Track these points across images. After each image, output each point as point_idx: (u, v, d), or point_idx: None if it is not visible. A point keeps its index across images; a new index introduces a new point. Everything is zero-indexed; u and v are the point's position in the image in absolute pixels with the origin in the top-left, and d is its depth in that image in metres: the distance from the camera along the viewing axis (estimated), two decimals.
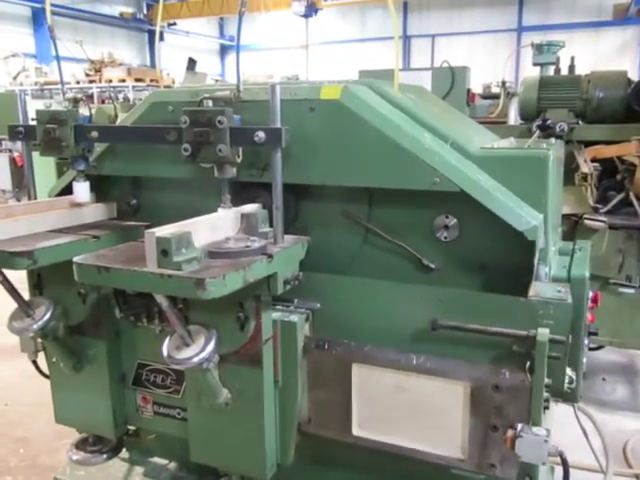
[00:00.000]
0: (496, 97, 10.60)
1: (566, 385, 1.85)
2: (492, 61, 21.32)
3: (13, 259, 1.85)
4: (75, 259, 1.75)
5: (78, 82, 16.56)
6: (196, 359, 1.81)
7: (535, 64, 7.67)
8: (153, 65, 24.15)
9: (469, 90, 7.73)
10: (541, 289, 1.83)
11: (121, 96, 15.87)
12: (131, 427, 2.57)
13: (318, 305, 2.05)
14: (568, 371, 1.89)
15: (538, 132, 2.92)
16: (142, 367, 2.33)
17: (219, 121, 1.86)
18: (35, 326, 2.11)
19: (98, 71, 16.55)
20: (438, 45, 26.11)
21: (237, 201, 2.07)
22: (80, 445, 2.48)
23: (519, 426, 1.75)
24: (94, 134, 2.09)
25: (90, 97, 16.46)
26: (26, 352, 2.51)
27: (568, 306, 1.76)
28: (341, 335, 2.05)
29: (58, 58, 2.50)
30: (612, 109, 4.08)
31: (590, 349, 4.29)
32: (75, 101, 2.17)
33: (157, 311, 2.15)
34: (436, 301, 1.90)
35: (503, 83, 11.96)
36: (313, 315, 2.07)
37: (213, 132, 1.88)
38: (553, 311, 1.77)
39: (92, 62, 16.57)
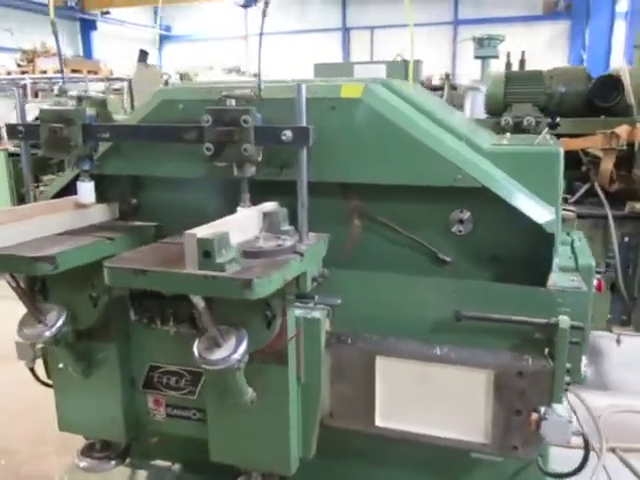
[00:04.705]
0: (439, 89, 10.89)
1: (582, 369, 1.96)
2: (430, 54, 21.74)
3: (34, 264, 1.79)
4: (106, 263, 1.73)
5: (9, 73, 15.75)
6: (231, 359, 1.81)
7: (477, 57, 7.91)
8: (87, 55, 23.29)
9: (422, 83, 7.87)
10: (558, 279, 1.93)
11: (56, 88, 15.23)
12: None
13: (339, 301, 2.08)
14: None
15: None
16: (154, 369, 2.30)
17: (244, 120, 1.86)
18: (48, 333, 2.04)
19: (31, 61, 15.80)
20: (377, 37, 26.37)
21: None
22: (86, 452, 2.42)
23: (542, 409, 1.86)
24: (106, 134, 2.04)
25: (23, 88, 15.73)
26: (23, 359, 2.42)
27: (585, 294, 1.88)
28: (361, 329, 2.09)
29: None
30: (574, 104, 4.28)
31: None
32: (79, 100, 2.11)
33: (172, 313, 2.13)
34: (457, 293, 1.98)
35: (447, 76, 12.20)
36: (333, 310, 2.10)
37: (238, 131, 1.87)
38: (570, 299, 1.88)
39: (24, 52, 15.80)
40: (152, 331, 2.19)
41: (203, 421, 2.24)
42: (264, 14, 1.88)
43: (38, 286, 2.20)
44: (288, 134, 1.84)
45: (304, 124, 1.86)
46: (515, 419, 1.93)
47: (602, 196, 3.86)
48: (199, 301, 1.72)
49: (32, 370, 2.45)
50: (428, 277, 2.04)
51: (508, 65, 6.84)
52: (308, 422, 2.11)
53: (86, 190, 2.20)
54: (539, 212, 1.89)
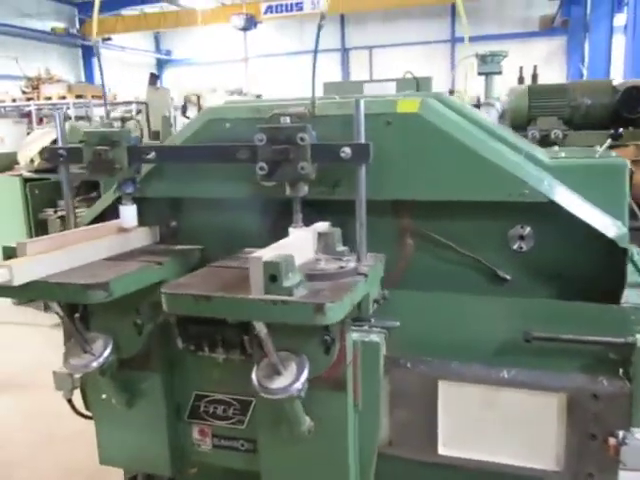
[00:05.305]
0: None
1: None
2: (429, 71, 21.84)
3: (87, 292, 1.71)
4: (164, 289, 1.65)
5: (14, 100, 15.80)
6: (293, 388, 1.72)
7: (480, 73, 7.95)
8: (89, 81, 23.40)
9: None
10: (630, 296, 1.85)
11: (59, 113, 15.24)
12: None
13: (397, 323, 1.99)
14: None
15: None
16: (200, 398, 2.20)
17: (301, 138, 1.79)
18: (95, 363, 1.96)
19: (36, 88, 15.84)
20: (376, 56, 26.54)
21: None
22: None
23: (621, 433, 1.76)
24: (152, 155, 1.97)
25: (28, 115, 15.76)
26: (61, 390, 2.33)
27: None
28: (418, 352, 2.00)
29: None
30: (599, 116, 4.24)
31: None
32: (123, 121, 2.04)
33: (221, 339, 2.04)
34: (525, 312, 1.89)
35: (451, 92, 12.26)
36: (389, 333, 2.01)
37: (293, 149, 1.81)
38: None
39: (29, 79, 15.85)
40: (198, 359, 2.11)
41: (252, 452, 2.14)
42: (319, 28, 1.81)
43: (80, 313, 2.12)
44: (347, 151, 1.77)
45: (362, 140, 1.79)
46: (590, 444, 1.83)
47: (636, 209, 3.78)
48: (262, 327, 1.64)
49: (70, 401, 2.36)
50: (489, 296, 1.95)
51: (521, 79, 6.86)
52: (366, 451, 2.01)
53: (129, 214, 2.13)
54: (609, 226, 1.81)
